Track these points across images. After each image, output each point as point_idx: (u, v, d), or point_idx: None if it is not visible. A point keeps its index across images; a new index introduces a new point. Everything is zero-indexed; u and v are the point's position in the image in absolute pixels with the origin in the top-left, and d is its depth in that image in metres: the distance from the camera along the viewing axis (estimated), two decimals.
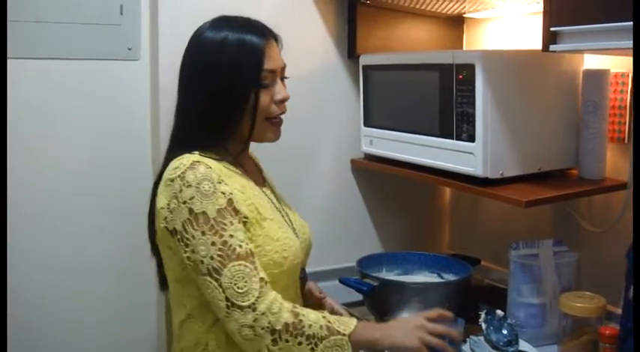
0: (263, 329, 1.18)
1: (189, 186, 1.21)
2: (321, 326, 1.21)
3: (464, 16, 2.05)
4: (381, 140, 1.88)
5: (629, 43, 1.13)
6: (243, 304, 1.17)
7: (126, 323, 1.84)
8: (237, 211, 1.23)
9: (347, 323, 1.24)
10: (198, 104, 1.32)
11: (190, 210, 1.20)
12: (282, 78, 1.39)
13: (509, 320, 1.52)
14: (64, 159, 1.74)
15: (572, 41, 1.27)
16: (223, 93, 1.30)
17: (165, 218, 1.24)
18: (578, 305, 1.47)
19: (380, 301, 1.68)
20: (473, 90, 1.53)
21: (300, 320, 1.20)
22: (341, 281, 1.70)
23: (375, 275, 1.72)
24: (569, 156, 1.67)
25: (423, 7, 1.93)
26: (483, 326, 1.51)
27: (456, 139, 1.60)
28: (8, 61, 1.52)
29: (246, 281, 1.18)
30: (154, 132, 1.80)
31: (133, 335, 1.85)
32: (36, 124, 1.70)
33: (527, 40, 1.82)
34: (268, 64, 1.32)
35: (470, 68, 1.53)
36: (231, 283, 1.18)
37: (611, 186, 1.61)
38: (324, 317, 1.24)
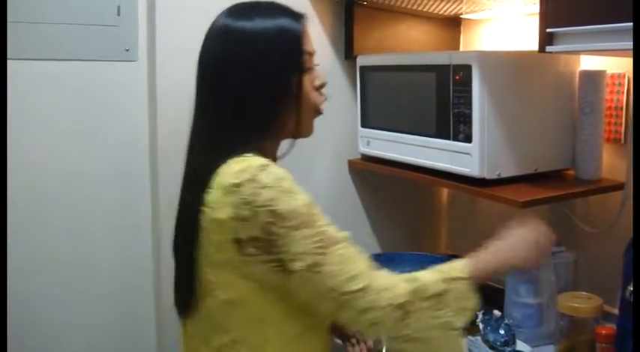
0: (384, 308, 1.08)
1: (266, 187, 1.08)
2: (440, 280, 1.13)
3: (461, 17, 2.06)
4: (378, 141, 1.88)
5: (626, 44, 1.14)
6: (356, 288, 1.07)
7: (123, 325, 1.84)
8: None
9: (459, 268, 1.15)
10: (237, 100, 1.19)
11: (272, 212, 1.07)
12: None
13: (506, 321, 1.53)
14: (61, 159, 1.74)
15: (569, 42, 1.28)
16: (265, 84, 1.19)
17: (234, 229, 1.09)
18: (576, 305, 1.48)
19: None
20: (470, 91, 1.53)
21: (418, 285, 1.12)
22: None
23: None
24: (565, 157, 1.68)
25: (420, 8, 1.93)
26: (480, 326, 1.51)
27: (453, 140, 1.60)
28: None
29: (351, 263, 1.08)
30: (152, 132, 1.80)
31: (132, 337, 1.86)
32: (32, 125, 1.69)
33: (523, 41, 1.83)
34: (307, 46, 1.23)
35: (467, 69, 1.54)
36: (337, 270, 1.07)
37: (608, 186, 1.62)
38: (437, 270, 1.15)
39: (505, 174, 1.58)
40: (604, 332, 1.45)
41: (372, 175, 2.04)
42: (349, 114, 2.00)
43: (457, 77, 1.57)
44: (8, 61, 1.54)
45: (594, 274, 1.65)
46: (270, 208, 1.07)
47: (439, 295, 1.11)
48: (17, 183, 1.64)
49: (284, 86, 1.21)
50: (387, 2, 1.90)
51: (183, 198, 1.24)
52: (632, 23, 1.11)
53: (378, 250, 2.09)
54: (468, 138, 1.56)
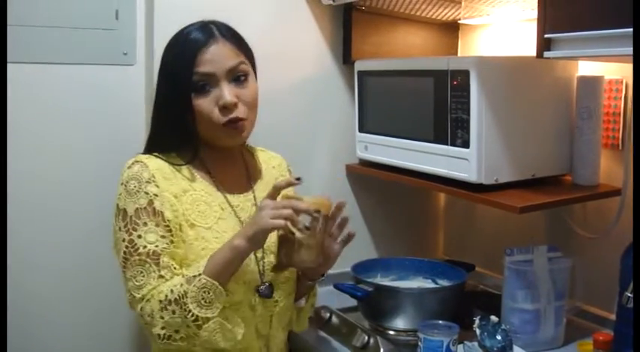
0: (149, 315, 1.24)
1: (121, 183, 1.31)
2: (181, 284, 1.22)
3: (459, 22, 2.06)
4: (376, 146, 1.88)
5: (624, 50, 1.14)
6: (137, 296, 1.25)
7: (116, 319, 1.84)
8: (157, 213, 1.27)
9: (200, 265, 1.24)
10: (154, 105, 1.40)
11: (117, 206, 1.30)
12: (238, 78, 1.33)
13: (503, 326, 1.52)
14: (58, 162, 1.73)
15: (566, 48, 1.28)
16: (164, 95, 1.36)
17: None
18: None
19: (375, 307, 1.68)
20: (467, 97, 1.53)
21: (164, 294, 1.23)
22: (336, 287, 1.70)
23: (370, 280, 1.72)
24: (563, 163, 1.68)
25: (418, 13, 1.94)
26: (477, 331, 1.51)
27: (451, 145, 1.60)
28: None
29: (143, 276, 1.25)
30: None
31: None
32: (31, 130, 1.69)
33: (521, 47, 1.83)
34: (202, 67, 1.30)
35: (464, 74, 1.54)
36: (131, 277, 1.26)
37: (605, 192, 1.62)
38: (183, 275, 1.25)
39: (502, 179, 1.58)
40: (601, 338, 1.44)
41: (369, 180, 2.04)
42: (347, 118, 2.00)
43: (455, 82, 1.57)
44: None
45: (591, 280, 1.65)
46: (117, 202, 1.31)
47: (181, 298, 1.21)
48: (14, 185, 1.64)
49: (175, 100, 1.32)
50: (385, 7, 1.90)
51: None
52: (629, 29, 1.11)
53: (374, 255, 2.09)
54: (465, 144, 1.56)
